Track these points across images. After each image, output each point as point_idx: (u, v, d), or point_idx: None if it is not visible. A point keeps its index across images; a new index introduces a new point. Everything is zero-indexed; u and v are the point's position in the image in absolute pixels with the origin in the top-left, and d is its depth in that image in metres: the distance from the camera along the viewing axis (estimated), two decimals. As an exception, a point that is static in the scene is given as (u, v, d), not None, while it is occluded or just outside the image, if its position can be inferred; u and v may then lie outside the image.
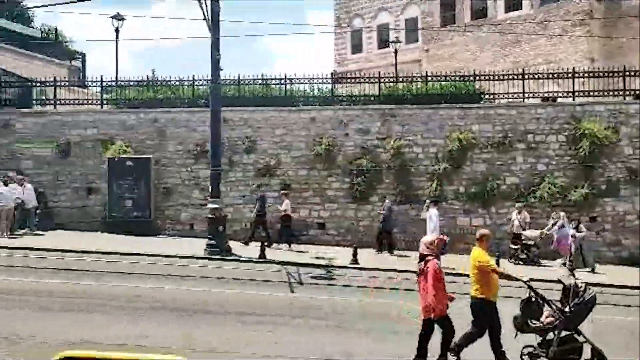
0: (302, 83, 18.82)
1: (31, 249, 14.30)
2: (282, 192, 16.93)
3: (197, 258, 14.22)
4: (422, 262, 6.93)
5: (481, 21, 27.93)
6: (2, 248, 14.23)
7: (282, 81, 18.72)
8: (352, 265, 14.29)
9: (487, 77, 18.48)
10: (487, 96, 18.39)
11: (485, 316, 7.05)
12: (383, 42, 32.32)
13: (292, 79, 18.71)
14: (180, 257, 14.13)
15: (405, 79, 19.06)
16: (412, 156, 17.70)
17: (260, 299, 10.42)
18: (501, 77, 18.36)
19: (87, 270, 12.07)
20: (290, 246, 16.19)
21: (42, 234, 16.58)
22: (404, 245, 16.59)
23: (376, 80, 18.73)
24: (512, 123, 17.46)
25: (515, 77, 18.39)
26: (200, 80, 18.56)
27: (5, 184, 16.39)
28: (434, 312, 6.71)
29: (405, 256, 15.12)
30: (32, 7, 26.90)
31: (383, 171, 17.68)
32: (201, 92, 18.49)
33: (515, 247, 16.09)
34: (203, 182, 17.45)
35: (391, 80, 19.07)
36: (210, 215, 15.03)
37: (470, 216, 17.31)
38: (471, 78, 18.52)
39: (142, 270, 12.48)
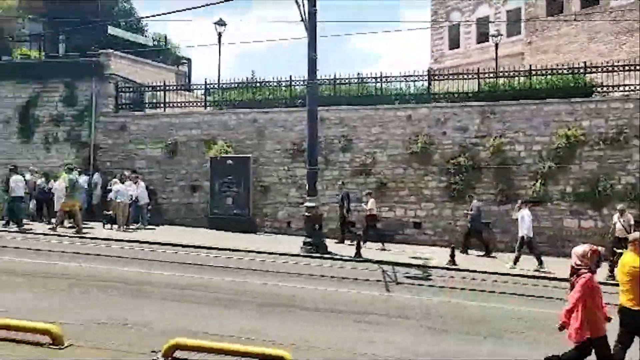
0: (397, 81, 18.63)
1: (144, 242, 15.39)
2: (366, 191, 16.91)
3: (294, 255, 14.54)
4: (574, 276, 6.28)
5: (592, 9, 26.05)
6: (119, 241, 15.44)
7: (378, 79, 18.64)
8: (450, 266, 13.94)
9: (599, 69, 17.22)
10: (599, 89, 17.14)
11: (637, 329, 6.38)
12: (482, 36, 31.17)
13: (388, 77, 18.58)
14: (279, 254, 14.52)
15: (506, 73, 18.24)
16: (514, 154, 16.92)
17: (356, 297, 10.45)
18: (615, 69, 17.02)
19: (191, 264, 12.76)
20: (383, 245, 16.09)
21: (153, 229, 17.80)
22: (503, 247, 15.97)
23: (475, 75, 18.09)
24: (628, 117, 16.13)
25: (631, 68, 16.97)
26: (297, 80, 18.96)
27: (122, 182, 17.75)
28: (569, 334, 6.12)
29: (497, 258, 14.53)
30: (144, 18, 29.08)
31: (482, 170, 17.07)
32: (298, 92, 18.89)
33: (620, 251, 14.81)
34: (300, 180, 17.83)
35: (491, 75, 18.34)
36: (306, 214, 15.31)
37: (578, 218, 16.24)
38: (581, 70, 17.34)
39: (242, 266, 12.97)
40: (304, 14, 14.59)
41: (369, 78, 18.90)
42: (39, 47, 21.95)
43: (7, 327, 6.44)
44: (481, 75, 18.11)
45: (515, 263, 14.06)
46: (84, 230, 16.39)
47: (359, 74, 19.09)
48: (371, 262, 13.99)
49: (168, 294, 9.74)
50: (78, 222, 16.37)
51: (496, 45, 26.42)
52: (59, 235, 15.87)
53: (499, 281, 12.80)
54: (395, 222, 17.58)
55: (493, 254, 15.55)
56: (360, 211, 16.96)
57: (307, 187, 15.56)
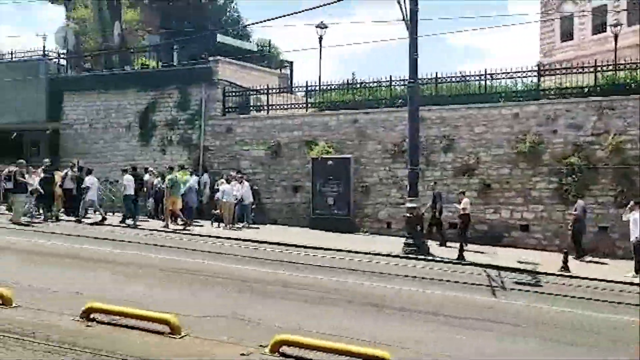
0: (503, 78, 17.85)
1: (248, 240, 16.02)
2: (460, 191, 16.36)
3: (395, 257, 14.42)
4: None
5: None
6: (226, 239, 16.20)
7: (482, 77, 17.97)
8: (562, 272, 13.12)
9: None
10: None
11: None
12: (599, 27, 28.98)
13: (493, 74, 17.85)
14: (380, 255, 14.48)
15: (628, 66, 16.82)
16: (636, 153, 15.58)
17: (460, 301, 10.15)
18: None
19: (294, 262, 13.06)
20: (465, 246, 15.09)
21: (257, 228, 18.48)
22: (622, 253, 14.77)
23: (592, 69, 16.87)
24: None
25: None
26: (398, 80, 18.79)
27: (228, 182, 18.61)
28: None
29: (614, 265, 13.40)
30: (249, 24, 30.28)
31: (599, 170, 15.89)
32: (398, 92, 18.73)
33: None
34: (401, 181, 17.65)
35: (610, 68, 17.00)
36: (407, 214, 15.13)
37: None
38: None
39: (343, 265, 13.08)
40: (406, 13, 14.42)
41: (472, 76, 18.29)
42: (156, 57, 23.59)
43: (126, 315, 7.01)
44: (599, 68, 16.86)
45: (637, 271, 12.95)
46: (192, 228, 17.38)
47: (460, 72, 18.55)
48: (475, 266, 13.52)
49: (273, 290, 10.04)
50: (176, 219, 17.61)
51: (615, 36, 24.45)
52: (169, 232, 16.92)
53: (624, 290, 11.83)
54: (500, 224, 16.86)
55: (606, 260, 14.46)
56: (453, 211, 16.44)
57: (408, 187, 15.37)
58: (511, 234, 16.80)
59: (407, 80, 15.91)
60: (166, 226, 17.51)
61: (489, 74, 17.87)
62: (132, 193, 18.29)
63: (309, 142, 19.56)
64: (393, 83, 19.05)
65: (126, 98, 22.55)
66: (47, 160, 19.34)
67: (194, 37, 22.85)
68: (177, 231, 17.06)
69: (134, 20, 29.40)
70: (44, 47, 24.36)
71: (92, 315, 7.14)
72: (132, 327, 6.90)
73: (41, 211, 18.19)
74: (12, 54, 25.17)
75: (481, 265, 13.49)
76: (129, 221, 18.06)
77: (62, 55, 24.95)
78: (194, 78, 21.39)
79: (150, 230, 17.15)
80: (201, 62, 21.60)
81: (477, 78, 18.11)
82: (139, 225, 17.75)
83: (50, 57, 24.42)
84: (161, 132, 21.94)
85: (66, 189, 18.97)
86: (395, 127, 18.28)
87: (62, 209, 19.11)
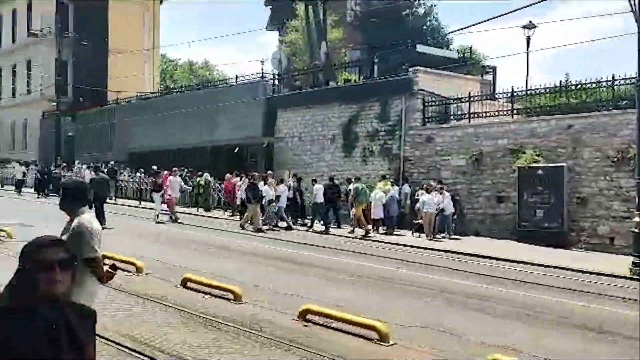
0: None
1: (450, 251, 15.66)
2: None
3: (621, 277, 12.72)
4: None
5: None
6: (426, 249, 16.06)
7: None
8: None
9: None
10: None
11: None
12: None
13: None
14: (602, 275, 12.92)
15: None
16: None
17: None
18: None
19: (498, 277, 12.34)
20: None
21: (458, 239, 17.98)
22: None
23: None
24: None
25: None
26: (622, 79, 16.67)
27: (428, 192, 18.44)
28: None
29: None
30: (450, 32, 29.91)
31: None
32: (622, 92, 16.61)
33: None
34: (626, 192, 15.59)
35: None
36: (636, 230, 13.25)
37: None
38: None
39: (554, 283, 11.95)
40: (634, 4, 12.71)
41: None
42: (358, 72, 24.62)
43: (337, 318, 7.34)
44: None
45: None
46: (395, 237, 17.63)
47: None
48: None
49: (473, 304, 9.62)
50: (362, 225, 18.51)
51: None
52: (357, 238, 17.62)
53: None
54: None
55: None
56: None
57: (637, 199, 13.46)
58: None
59: (635, 77, 13.99)
60: (357, 234, 18.43)
61: None
62: (322, 201, 19.66)
63: (515, 151, 18.41)
64: (615, 82, 16.96)
65: (331, 112, 23.90)
66: (288, 171, 21.69)
67: (393, 50, 23.29)
68: (375, 240, 17.52)
69: (337, 38, 31.18)
70: (262, 70, 27.27)
71: (307, 316, 7.64)
72: (341, 330, 7.21)
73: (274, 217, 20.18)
74: (236, 78, 28.61)
75: None
76: (321, 227, 19.32)
77: (276, 76, 27.57)
78: (394, 89, 21.77)
79: (343, 236, 18.11)
80: (401, 73, 21.89)
81: None
82: (330, 232, 18.98)
83: (266, 79, 27.17)
84: (363, 143, 22.74)
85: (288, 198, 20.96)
86: (618, 131, 16.21)
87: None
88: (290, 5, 32.76)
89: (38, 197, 28.65)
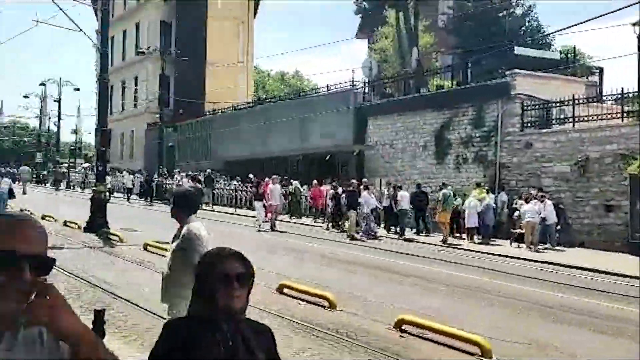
0: None
1: (552, 263, 14.73)
2: None
3: None
4: None
5: None
6: (527, 260, 15.24)
7: None
8: None
9: None
10: None
11: None
12: None
13: None
14: None
15: None
16: None
17: None
18: None
19: (606, 291, 11.42)
20: None
21: (562, 250, 16.91)
22: None
23: None
24: None
25: None
26: None
27: (527, 201, 17.48)
28: None
29: None
30: (551, 33, 28.36)
31: None
32: None
33: None
34: None
35: None
36: None
37: None
38: None
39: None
40: None
41: None
42: (451, 77, 24.00)
43: (434, 330, 7.10)
44: None
45: None
46: (491, 247, 16.89)
47: None
48: None
49: (576, 320, 8.95)
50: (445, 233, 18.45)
51: None
52: (454, 247, 17.04)
53: None
54: None
55: None
56: None
57: None
58: None
59: None
60: (444, 241, 18.07)
61: None
62: (406, 207, 19.74)
63: (626, 156, 17.05)
64: None
65: (422, 118, 23.47)
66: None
67: (489, 53, 22.45)
68: (471, 249, 16.89)
69: (428, 43, 30.65)
70: (352, 78, 27.35)
71: (403, 327, 7.47)
72: (438, 342, 6.97)
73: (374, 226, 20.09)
74: (327, 87, 28.93)
75: None
76: (412, 234, 19.26)
77: (366, 84, 27.54)
78: (490, 94, 20.97)
79: (437, 245, 17.75)
80: (497, 77, 21.04)
81: None
82: (410, 239, 18.97)
83: (357, 87, 27.22)
84: (456, 150, 22.09)
85: (385, 207, 20.97)
86: None
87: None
88: (380, 13, 32.68)
89: (145, 204, 30.54)
